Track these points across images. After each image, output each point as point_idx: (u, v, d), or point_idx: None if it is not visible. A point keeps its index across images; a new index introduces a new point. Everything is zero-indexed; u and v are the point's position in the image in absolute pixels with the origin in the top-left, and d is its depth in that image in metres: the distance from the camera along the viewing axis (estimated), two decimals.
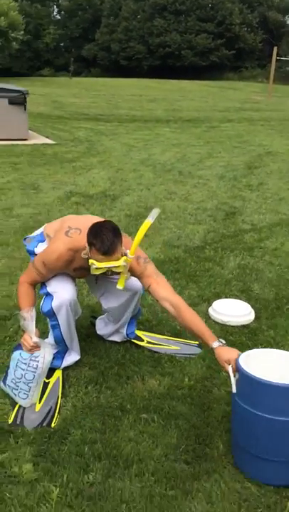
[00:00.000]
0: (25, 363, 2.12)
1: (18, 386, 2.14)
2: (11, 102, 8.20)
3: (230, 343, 2.67)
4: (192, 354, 2.55)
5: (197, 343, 2.61)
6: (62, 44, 35.83)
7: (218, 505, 1.68)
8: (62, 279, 2.26)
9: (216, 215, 4.93)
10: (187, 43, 31.17)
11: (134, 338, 2.60)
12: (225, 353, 1.87)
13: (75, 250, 2.13)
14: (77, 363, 2.41)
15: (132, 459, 1.86)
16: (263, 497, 1.72)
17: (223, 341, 1.95)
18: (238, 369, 1.78)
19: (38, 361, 2.12)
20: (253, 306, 3.05)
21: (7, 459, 1.84)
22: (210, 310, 3.01)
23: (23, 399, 2.14)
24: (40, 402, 2.13)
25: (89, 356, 2.50)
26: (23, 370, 2.12)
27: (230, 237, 4.33)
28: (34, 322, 2.10)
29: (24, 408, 2.10)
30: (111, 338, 2.63)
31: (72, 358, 2.38)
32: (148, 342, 2.62)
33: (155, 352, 2.55)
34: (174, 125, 11.38)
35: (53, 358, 2.32)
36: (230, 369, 1.81)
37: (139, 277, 2.20)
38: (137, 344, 2.60)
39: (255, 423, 1.72)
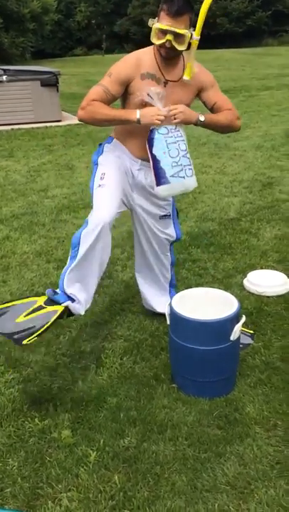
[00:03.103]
0: (170, 136, 2.07)
1: (181, 164, 2.08)
2: (44, 84, 8.26)
3: (265, 314, 2.67)
4: (244, 344, 2.31)
5: (251, 332, 2.46)
6: (93, 21, 35.41)
7: (250, 467, 1.72)
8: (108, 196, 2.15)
9: (252, 186, 4.84)
10: (222, 10, 30.07)
11: None
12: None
13: (142, 54, 2.12)
14: (111, 334, 2.48)
15: (165, 424, 1.91)
16: None
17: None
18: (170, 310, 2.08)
19: (178, 130, 2.09)
20: None
21: (47, 425, 1.94)
22: (245, 281, 3.00)
23: (191, 175, 2.12)
24: (25, 317, 1.97)
25: (123, 329, 2.57)
26: (174, 142, 2.06)
27: (266, 208, 4.24)
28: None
29: (4, 313, 1.99)
30: (160, 310, 2.51)
31: (79, 305, 2.13)
32: None
33: None
34: None
35: (57, 293, 2.13)
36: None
37: (206, 89, 2.21)
38: None
39: (179, 350, 2.06)
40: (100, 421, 1.95)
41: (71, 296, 2.11)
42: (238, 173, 5.26)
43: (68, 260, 2.15)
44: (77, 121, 8.56)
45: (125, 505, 1.60)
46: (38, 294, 2.92)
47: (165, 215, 2.42)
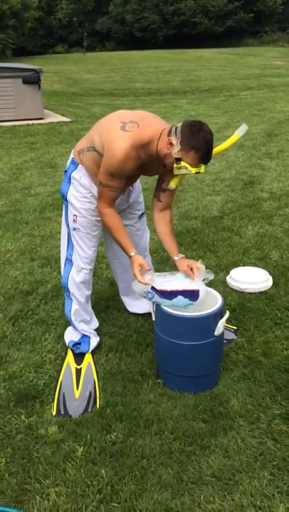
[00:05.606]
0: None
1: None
2: (25, 82, 8.18)
3: (248, 310, 2.72)
4: (228, 340, 2.42)
5: (235, 328, 2.55)
6: (75, 19, 35.18)
7: (234, 459, 1.76)
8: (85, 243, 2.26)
9: (234, 185, 4.90)
10: (202, 8, 30.21)
11: None
12: (185, 262, 2.17)
13: (140, 146, 1.93)
14: (97, 331, 2.49)
15: (151, 419, 1.94)
16: (278, 451, 1.79)
17: (183, 255, 2.24)
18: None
19: (151, 292, 2.07)
20: (271, 273, 3.06)
21: (33, 422, 1.95)
22: (228, 278, 3.04)
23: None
24: (77, 389, 2.15)
25: (109, 326, 2.59)
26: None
27: (248, 207, 4.31)
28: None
29: (64, 397, 2.10)
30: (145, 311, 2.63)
31: (95, 340, 2.41)
32: None
33: None
34: (191, 96, 11.18)
35: (80, 344, 2.37)
36: (196, 265, 2.15)
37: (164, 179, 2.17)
38: None
39: (164, 345, 2.09)
40: (87, 417, 1.97)
41: (84, 333, 2.39)
42: (220, 172, 5.32)
43: (65, 300, 2.41)
44: (60, 119, 8.61)
45: (112, 499, 1.62)
46: (23, 292, 2.92)
47: (142, 213, 2.47)
